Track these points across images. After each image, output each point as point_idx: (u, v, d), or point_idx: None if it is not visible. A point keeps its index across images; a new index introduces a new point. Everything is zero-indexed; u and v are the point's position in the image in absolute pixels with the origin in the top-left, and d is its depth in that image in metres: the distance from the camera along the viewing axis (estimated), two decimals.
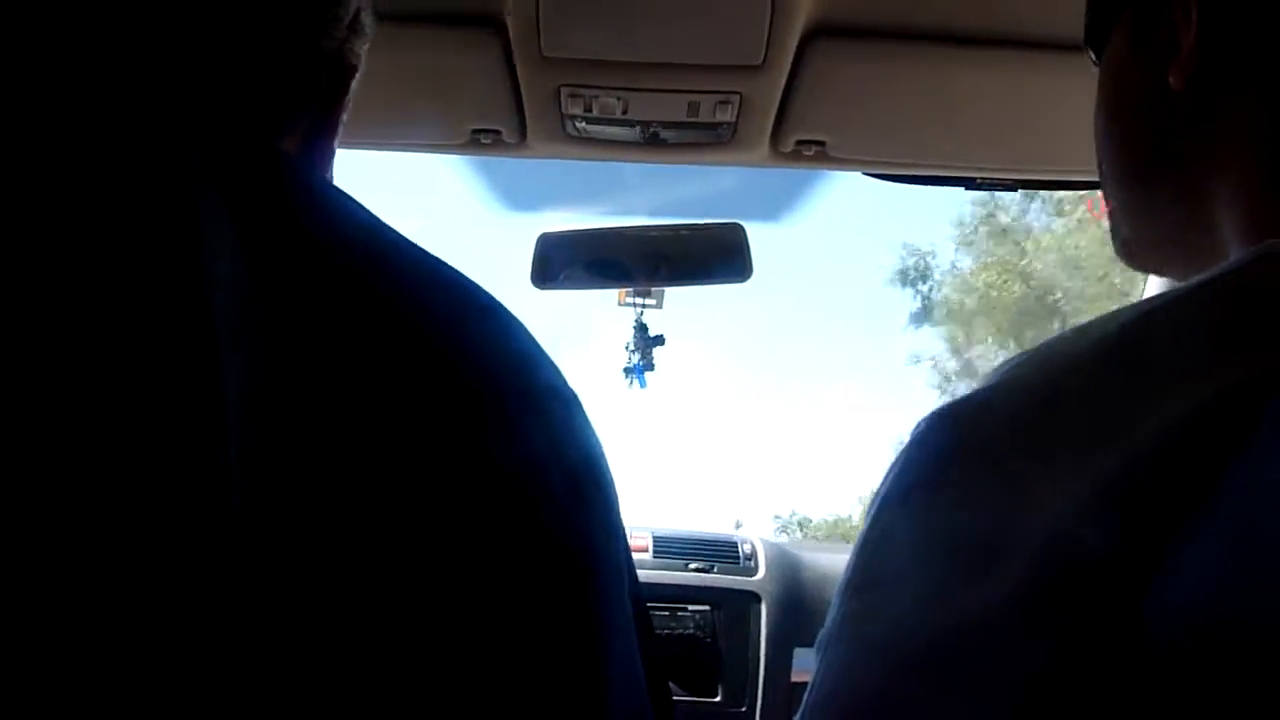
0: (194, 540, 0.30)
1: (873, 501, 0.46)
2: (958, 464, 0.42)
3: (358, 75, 0.62)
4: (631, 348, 1.96)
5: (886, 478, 0.45)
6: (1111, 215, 0.57)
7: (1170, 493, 0.34)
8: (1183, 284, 0.42)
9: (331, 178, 0.63)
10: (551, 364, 0.51)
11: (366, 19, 0.61)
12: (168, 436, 0.30)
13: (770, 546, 1.86)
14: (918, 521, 0.42)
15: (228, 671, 0.31)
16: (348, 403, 0.39)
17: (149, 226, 0.32)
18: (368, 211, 0.47)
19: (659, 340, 1.94)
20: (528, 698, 0.42)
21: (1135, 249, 0.56)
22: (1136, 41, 0.52)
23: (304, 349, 0.38)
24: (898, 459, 0.45)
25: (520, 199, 1.84)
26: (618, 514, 0.51)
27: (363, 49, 0.61)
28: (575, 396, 0.51)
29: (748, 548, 1.84)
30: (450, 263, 0.50)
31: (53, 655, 0.29)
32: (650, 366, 1.99)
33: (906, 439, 0.45)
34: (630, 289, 1.74)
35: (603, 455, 0.51)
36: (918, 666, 0.38)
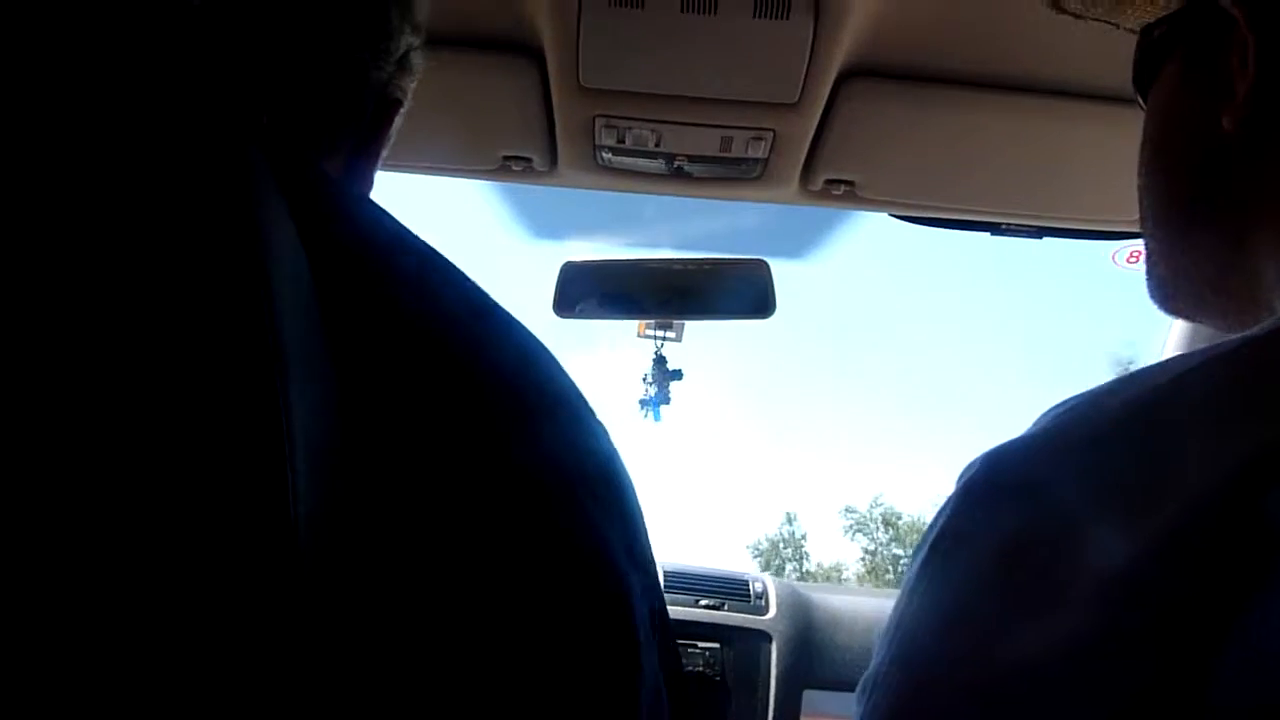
0: (258, 555, 0.30)
1: (920, 544, 0.45)
2: (1010, 504, 0.41)
3: (403, 110, 0.64)
4: (649, 380, 1.96)
5: (935, 521, 0.45)
6: (1149, 257, 0.57)
7: (1238, 547, 0.33)
8: (1231, 338, 0.41)
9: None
10: (568, 376, 0.51)
11: (416, 59, 0.64)
12: (233, 452, 0.30)
13: (782, 586, 1.84)
14: (970, 562, 0.42)
15: (281, 686, 0.31)
16: (402, 430, 0.39)
17: (215, 231, 0.32)
18: (396, 221, 0.48)
19: (677, 374, 1.94)
20: (567, 712, 0.42)
21: (1171, 291, 0.55)
22: (1188, 81, 0.51)
23: (360, 370, 0.39)
24: (946, 502, 0.45)
25: (544, 227, 1.84)
26: (638, 508, 0.51)
27: (410, 85, 0.64)
28: (589, 404, 0.52)
29: (759, 586, 1.82)
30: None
31: (110, 696, 0.29)
32: (666, 400, 1.99)
33: (954, 484, 0.45)
34: (651, 321, 1.74)
35: (618, 455, 0.52)
36: (969, 706, 0.38)
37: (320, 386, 0.35)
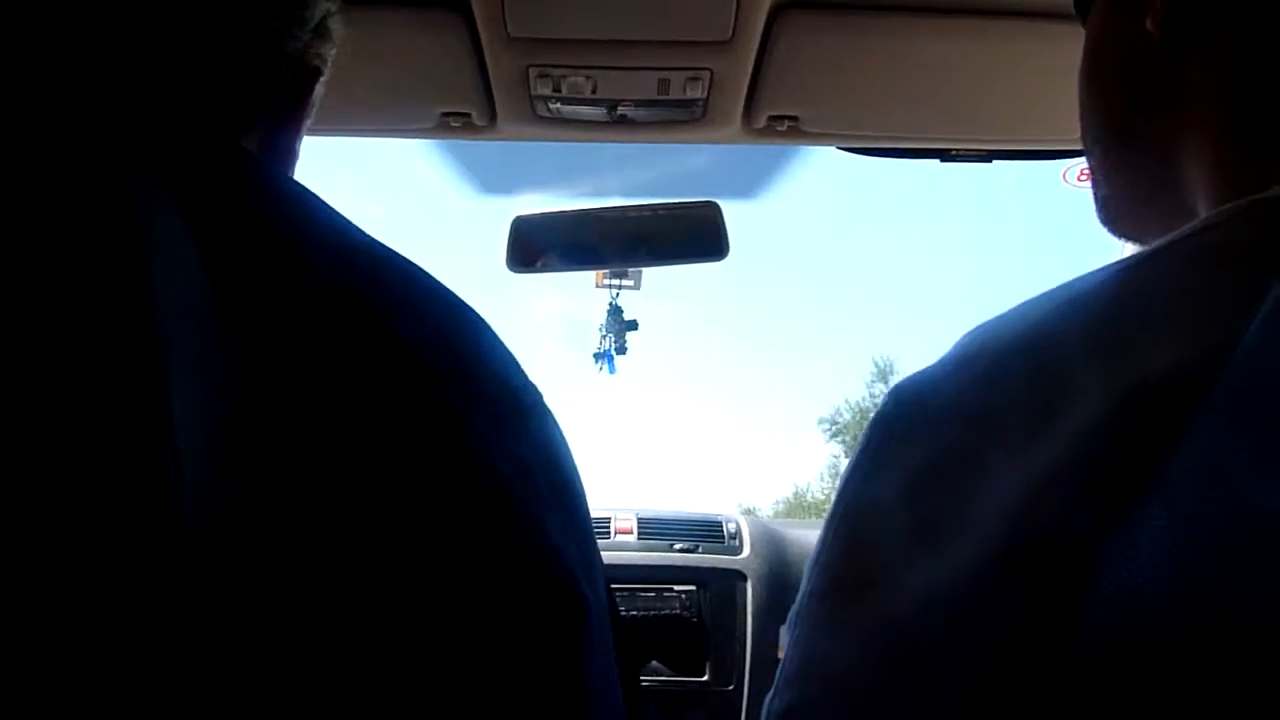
0: (140, 573, 0.29)
1: (841, 477, 0.46)
2: (914, 440, 0.42)
3: (323, 78, 0.62)
4: (604, 331, 1.94)
5: (853, 453, 0.45)
6: (1093, 177, 0.57)
7: (1120, 469, 0.33)
8: (1140, 250, 0.41)
9: (293, 174, 0.63)
10: (521, 370, 0.51)
11: (334, 24, 0.62)
12: (113, 451, 0.29)
13: (755, 524, 1.86)
14: (879, 497, 0.43)
15: (189, 690, 0.31)
16: (320, 412, 0.38)
17: (86, 226, 0.31)
18: (336, 212, 0.47)
19: (632, 325, 1.92)
20: (513, 707, 0.42)
21: (1114, 213, 0.56)
22: (1116, 2, 0.51)
23: (270, 354, 0.38)
24: (862, 436, 0.45)
25: (492, 182, 1.82)
26: (588, 513, 0.51)
27: (329, 52, 0.62)
28: (545, 402, 0.51)
29: (732, 526, 1.84)
30: (418, 262, 0.50)
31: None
32: (623, 350, 1.97)
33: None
34: (607, 270, 1.72)
35: (572, 459, 0.51)
36: (883, 640, 0.39)
37: (213, 375, 0.34)
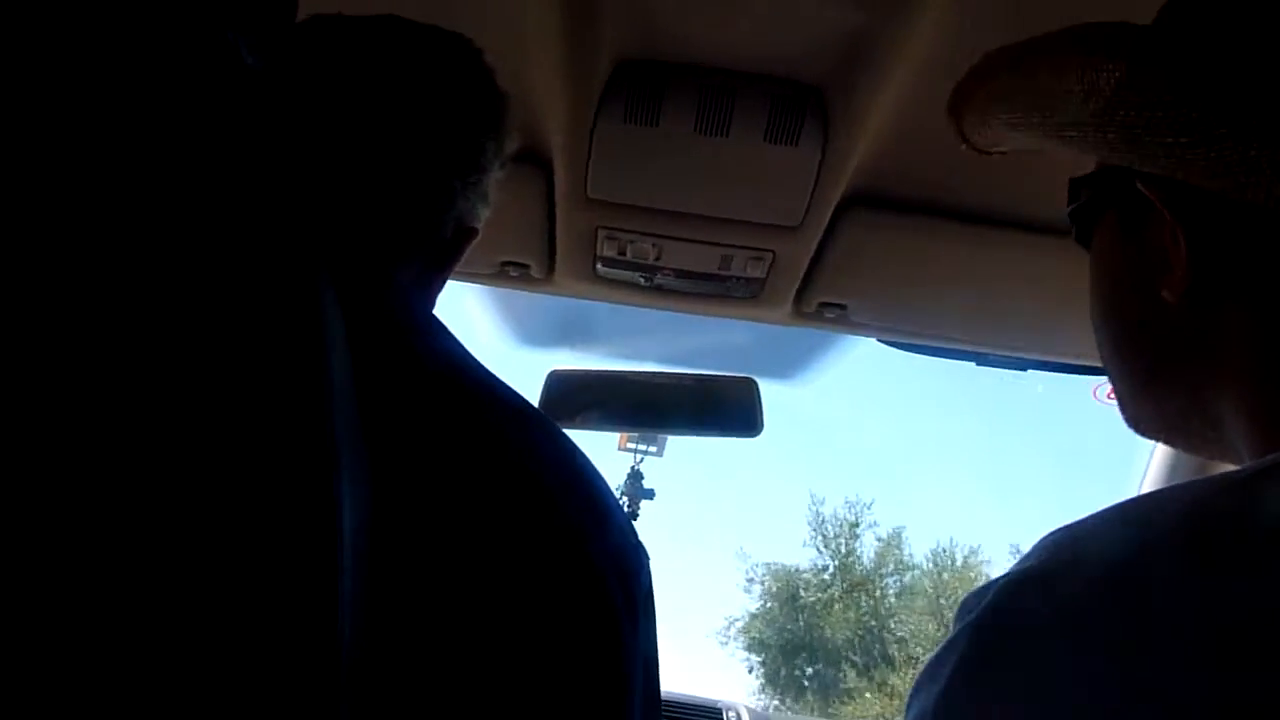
0: (307, 669, 0.27)
1: (928, 679, 0.43)
2: (1028, 648, 0.40)
3: (477, 238, 0.70)
4: (620, 494, 1.92)
5: (946, 656, 0.43)
6: (1117, 396, 0.58)
7: None
8: (1235, 470, 0.41)
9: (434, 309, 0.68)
10: (606, 483, 0.54)
11: (493, 192, 0.69)
12: (287, 562, 0.28)
13: (756, 716, 1.77)
14: (982, 706, 0.40)
15: None
16: (447, 519, 0.38)
17: (282, 325, 0.31)
18: (459, 345, 0.51)
19: (649, 494, 1.90)
20: None
21: (1143, 427, 0.57)
22: (1124, 245, 0.52)
23: (402, 460, 0.37)
24: (957, 637, 0.43)
25: (532, 335, 1.84)
26: (654, 622, 0.53)
27: (485, 215, 0.69)
28: (627, 517, 0.54)
29: (732, 714, 1.76)
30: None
31: None
32: (635, 517, 1.94)
33: (955, 623, 0.44)
34: (632, 435, 1.72)
35: (648, 562, 0.54)
36: None
37: (362, 488, 0.34)
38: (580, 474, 0.50)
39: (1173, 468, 1.54)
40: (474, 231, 0.68)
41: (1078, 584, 0.40)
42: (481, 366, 0.51)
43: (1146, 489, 1.54)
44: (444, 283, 0.68)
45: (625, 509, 1.91)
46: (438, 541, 0.39)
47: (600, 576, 0.46)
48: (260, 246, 0.30)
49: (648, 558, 0.53)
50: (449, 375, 0.47)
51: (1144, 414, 0.55)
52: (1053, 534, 0.44)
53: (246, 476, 0.27)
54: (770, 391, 1.51)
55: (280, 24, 0.42)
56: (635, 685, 0.47)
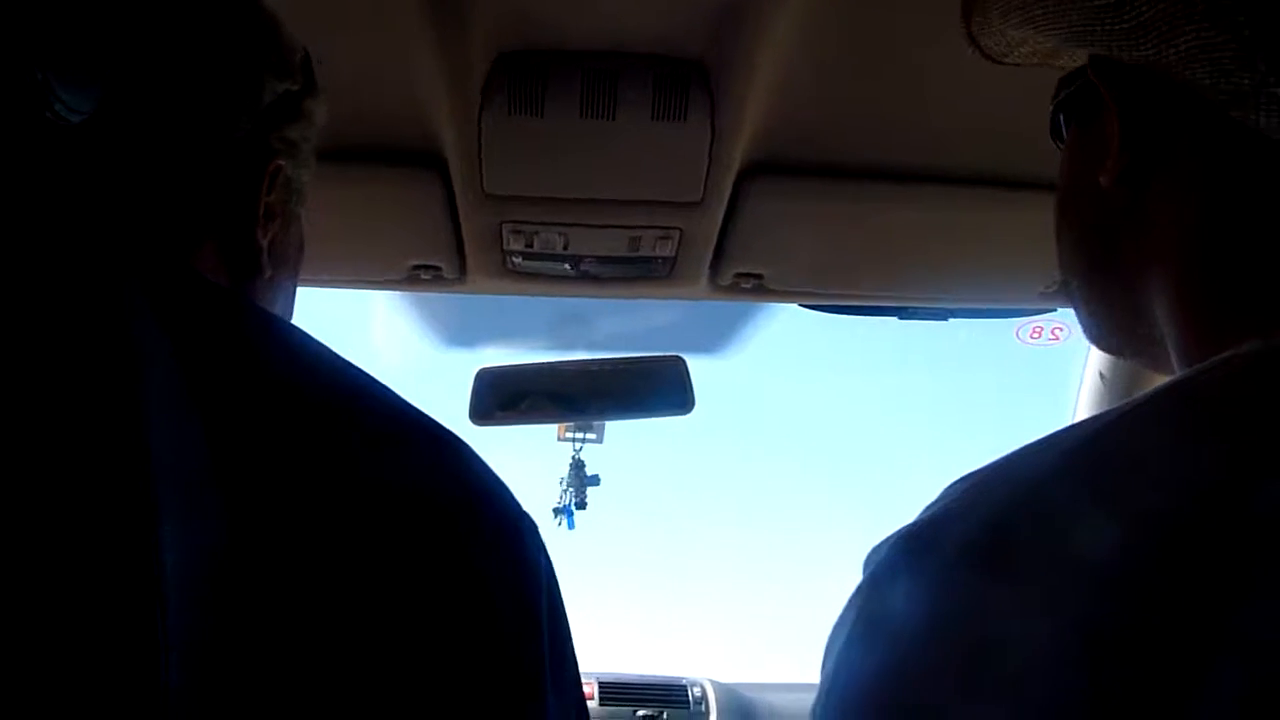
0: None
1: (834, 635, 0.44)
2: (918, 596, 0.40)
3: (289, 168, 0.57)
4: (565, 485, 1.90)
5: (849, 611, 0.43)
6: (1075, 305, 0.58)
7: (1166, 630, 0.32)
8: (1141, 394, 0.42)
9: (291, 314, 0.62)
10: (512, 495, 0.51)
11: (314, 106, 0.59)
12: (103, 609, 0.27)
13: (722, 688, 1.79)
14: (880, 658, 0.40)
15: None
16: (298, 542, 0.36)
17: (90, 366, 0.29)
18: (329, 350, 0.47)
19: (594, 480, 1.89)
20: None
21: (1097, 336, 0.58)
22: (1081, 145, 0.54)
23: (263, 492, 0.36)
24: (856, 591, 0.43)
25: (456, 336, 1.82)
26: (570, 639, 0.51)
27: (298, 134, 0.58)
28: (534, 525, 0.52)
29: (698, 690, 1.77)
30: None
31: None
32: (583, 505, 1.93)
33: (863, 570, 0.44)
34: (570, 424, 1.71)
35: (556, 581, 0.52)
36: None
37: (202, 520, 0.32)
38: (456, 480, 0.48)
39: (1101, 398, 1.58)
40: (277, 153, 0.55)
41: (973, 526, 0.41)
42: (342, 370, 0.46)
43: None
44: (288, 274, 0.58)
45: (572, 499, 1.90)
46: (291, 568, 0.37)
47: (479, 583, 0.44)
48: (40, 271, 0.29)
49: (548, 566, 0.50)
50: (292, 383, 0.43)
51: (1096, 320, 0.55)
52: (954, 482, 0.44)
53: (46, 518, 0.26)
54: (701, 367, 1.51)
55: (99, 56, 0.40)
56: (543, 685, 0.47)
